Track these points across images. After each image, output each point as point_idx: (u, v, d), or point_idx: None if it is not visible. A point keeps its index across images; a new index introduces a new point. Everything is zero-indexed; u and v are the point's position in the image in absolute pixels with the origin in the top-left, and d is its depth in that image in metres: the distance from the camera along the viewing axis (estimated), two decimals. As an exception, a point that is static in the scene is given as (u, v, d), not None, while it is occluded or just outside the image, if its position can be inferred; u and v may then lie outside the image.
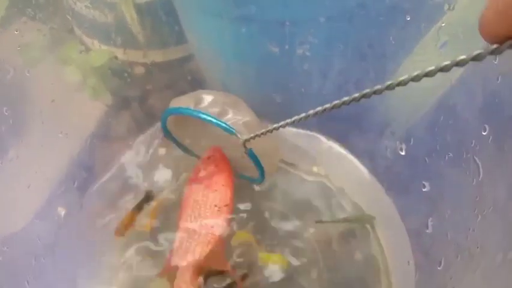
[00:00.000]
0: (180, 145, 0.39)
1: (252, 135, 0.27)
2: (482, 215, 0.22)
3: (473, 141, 0.24)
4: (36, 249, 0.29)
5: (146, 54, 0.47)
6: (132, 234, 0.36)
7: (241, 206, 0.36)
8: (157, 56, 0.48)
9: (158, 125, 0.42)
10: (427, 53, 0.29)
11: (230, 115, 0.36)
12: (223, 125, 0.32)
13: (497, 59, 0.22)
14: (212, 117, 0.33)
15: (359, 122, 0.34)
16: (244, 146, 0.29)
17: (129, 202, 0.38)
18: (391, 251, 0.34)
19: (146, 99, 0.48)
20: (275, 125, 0.25)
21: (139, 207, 0.38)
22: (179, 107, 0.36)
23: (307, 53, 0.33)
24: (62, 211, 0.34)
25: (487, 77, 0.24)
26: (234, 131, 0.31)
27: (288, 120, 0.24)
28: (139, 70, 0.48)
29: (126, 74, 0.46)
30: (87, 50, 0.58)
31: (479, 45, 0.16)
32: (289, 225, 0.36)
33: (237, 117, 0.35)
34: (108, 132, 0.44)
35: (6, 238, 0.26)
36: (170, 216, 0.36)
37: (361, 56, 0.32)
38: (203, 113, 0.33)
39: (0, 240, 0.25)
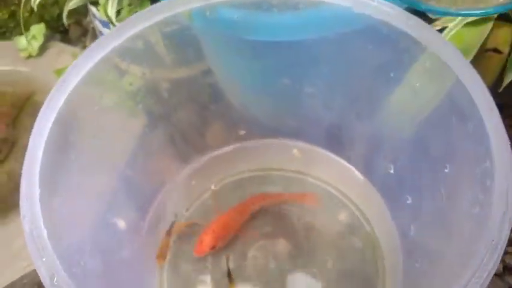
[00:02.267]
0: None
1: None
2: (447, 229, 0.32)
3: (439, 174, 0.33)
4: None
5: (171, 71, 0.54)
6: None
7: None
8: (180, 72, 0.55)
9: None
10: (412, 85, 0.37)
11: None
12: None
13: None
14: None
15: (360, 143, 0.43)
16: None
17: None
18: (385, 245, 0.44)
19: (175, 114, 0.56)
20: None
21: (170, 232, 0.45)
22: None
23: (314, 92, 0.42)
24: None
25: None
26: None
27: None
28: (165, 86, 0.56)
29: (154, 92, 0.53)
30: (120, 72, 0.66)
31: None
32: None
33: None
34: (147, 149, 0.52)
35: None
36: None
37: (358, 95, 0.40)
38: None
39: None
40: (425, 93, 0.35)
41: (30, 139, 0.28)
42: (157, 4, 0.37)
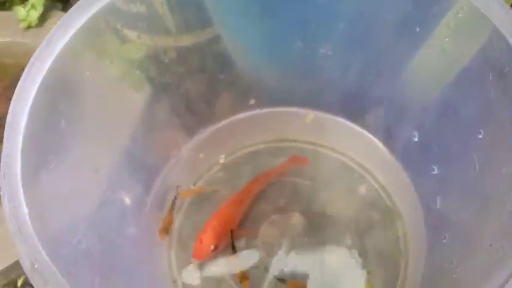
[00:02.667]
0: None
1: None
2: (478, 204, 0.28)
3: (471, 140, 0.29)
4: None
5: (176, 39, 0.51)
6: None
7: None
8: (186, 40, 0.52)
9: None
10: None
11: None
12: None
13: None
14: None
15: (379, 110, 0.39)
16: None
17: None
18: (407, 219, 0.40)
19: (181, 84, 0.53)
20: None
21: (173, 206, 0.42)
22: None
23: (329, 53, 0.38)
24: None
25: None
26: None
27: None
28: (170, 55, 0.53)
29: (160, 61, 0.51)
30: (123, 41, 0.63)
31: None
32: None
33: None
34: (152, 121, 0.49)
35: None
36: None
37: (379, 55, 0.36)
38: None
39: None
40: (456, 50, 0.31)
41: (10, 105, 0.25)
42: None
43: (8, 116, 0.25)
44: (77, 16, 0.29)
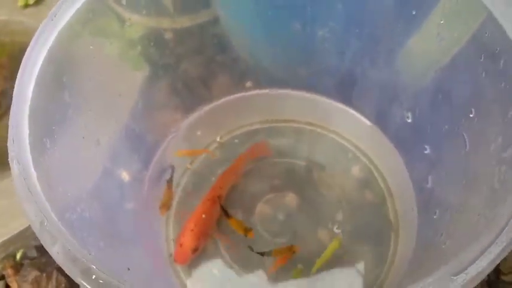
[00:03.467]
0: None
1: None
2: (467, 180, 0.29)
3: (463, 120, 0.30)
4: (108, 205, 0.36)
5: (174, 20, 0.51)
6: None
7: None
8: (184, 21, 0.52)
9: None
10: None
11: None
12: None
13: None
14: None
15: (374, 92, 0.40)
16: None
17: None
18: (399, 197, 0.42)
19: (179, 65, 0.53)
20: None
21: (171, 181, 0.43)
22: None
23: (327, 35, 0.39)
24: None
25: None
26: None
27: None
28: (169, 36, 0.53)
29: (158, 42, 0.51)
30: (121, 21, 0.63)
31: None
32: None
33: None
34: (151, 98, 0.50)
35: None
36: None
37: (375, 38, 0.37)
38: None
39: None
40: (450, 34, 0.32)
41: (18, 75, 0.26)
42: None
43: (15, 85, 0.26)
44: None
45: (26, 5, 0.65)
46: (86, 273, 0.20)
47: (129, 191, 0.39)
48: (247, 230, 0.40)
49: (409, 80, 0.38)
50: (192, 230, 0.39)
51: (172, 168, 0.44)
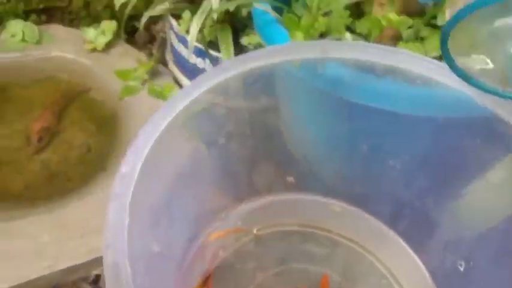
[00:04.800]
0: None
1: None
2: None
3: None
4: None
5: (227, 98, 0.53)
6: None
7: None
8: (239, 101, 0.53)
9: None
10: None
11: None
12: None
13: None
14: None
15: (430, 233, 0.41)
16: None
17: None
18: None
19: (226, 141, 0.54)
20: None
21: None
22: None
23: (398, 166, 0.40)
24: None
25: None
26: None
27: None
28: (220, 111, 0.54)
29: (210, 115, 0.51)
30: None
31: None
32: None
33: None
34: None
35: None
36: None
37: (446, 181, 0.38)
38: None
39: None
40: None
41: (124, 160, 0.26)
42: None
43: (119, 169, 0.26)
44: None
45: (94, 50, 0.67)
46: None
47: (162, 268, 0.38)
48: None
49: (469, 226, 0.38)
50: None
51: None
